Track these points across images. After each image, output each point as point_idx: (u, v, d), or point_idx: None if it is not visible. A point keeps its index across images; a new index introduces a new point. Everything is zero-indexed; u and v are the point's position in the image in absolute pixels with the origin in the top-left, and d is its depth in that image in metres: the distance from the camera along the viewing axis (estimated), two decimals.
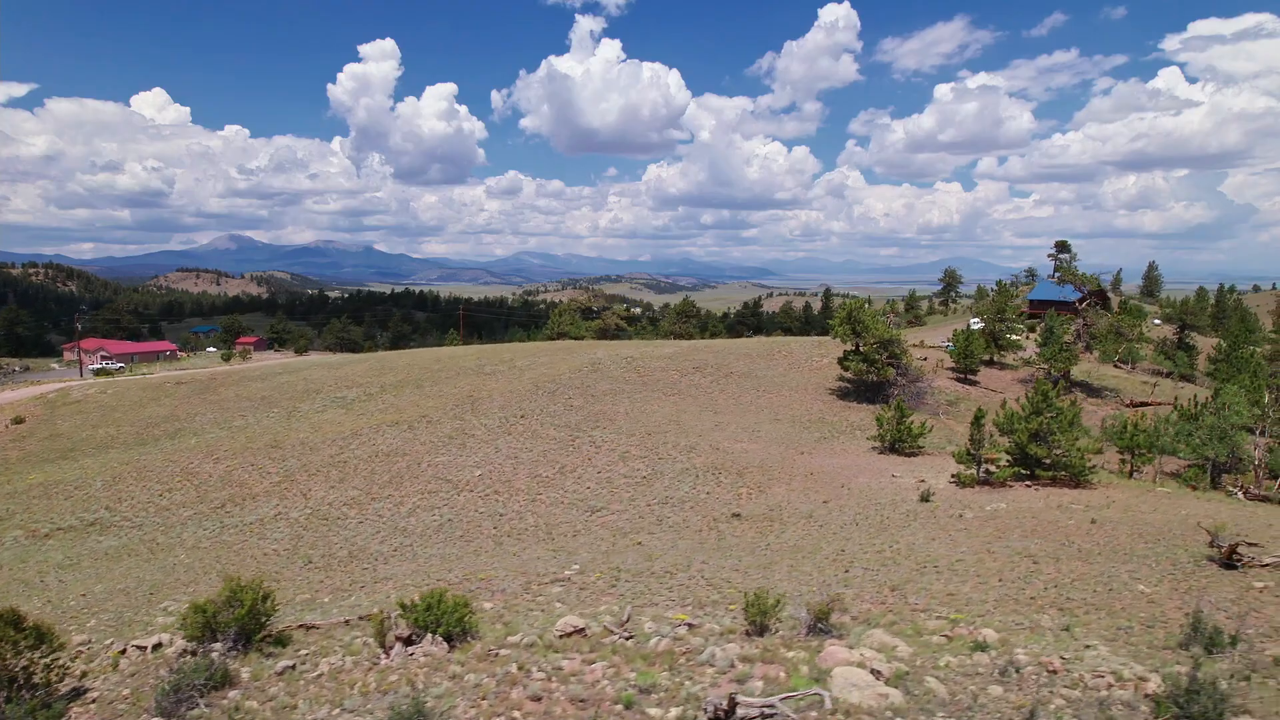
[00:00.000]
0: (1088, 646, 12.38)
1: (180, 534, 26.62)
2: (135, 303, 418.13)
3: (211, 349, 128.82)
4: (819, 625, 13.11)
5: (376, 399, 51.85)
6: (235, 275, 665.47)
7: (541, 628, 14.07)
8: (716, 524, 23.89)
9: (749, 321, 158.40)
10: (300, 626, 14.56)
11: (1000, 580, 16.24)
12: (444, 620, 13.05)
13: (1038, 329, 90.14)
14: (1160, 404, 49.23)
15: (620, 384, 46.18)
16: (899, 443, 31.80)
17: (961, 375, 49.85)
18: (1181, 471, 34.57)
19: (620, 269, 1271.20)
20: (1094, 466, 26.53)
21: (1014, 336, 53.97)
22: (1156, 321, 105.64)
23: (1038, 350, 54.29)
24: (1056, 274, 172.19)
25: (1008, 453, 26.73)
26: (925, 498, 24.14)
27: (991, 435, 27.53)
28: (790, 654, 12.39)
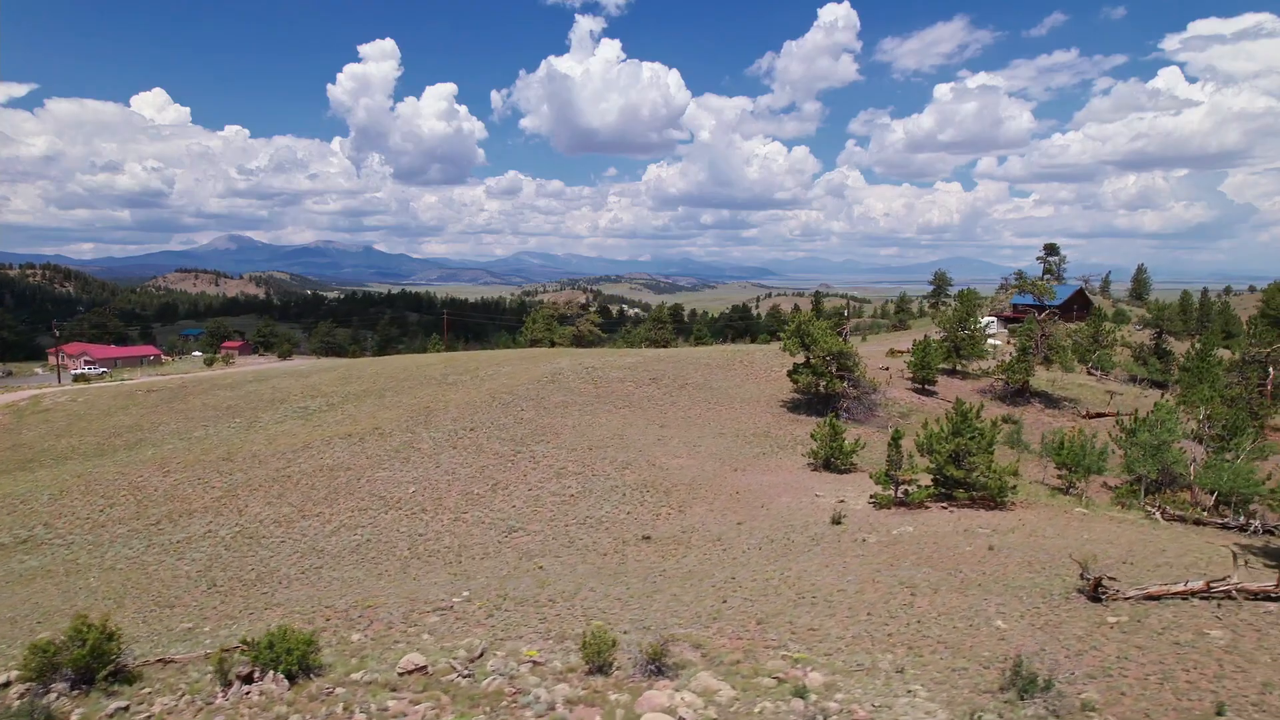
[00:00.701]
0: (909, 691, 12.49)
1: (104, 554, 26.74)
2: (133, 303, 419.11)
3: (197, 353, 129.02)
4: (653, 666, 13.22)
5: (337, 409, 51.94)
6: (234, 276, 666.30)
7: (390, 664, 14.19)
8: (624, 546, 23.99)
9: (737, 325, 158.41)
10: (158, 661, 14.68)
11: (869, 614, 16.34)
12: (283, 658, 13.16)
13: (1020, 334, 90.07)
14: (1117, 415, 49.19)
15: (574, 396, 46.28)
16: (832, 460, 31.87)
17: (920, 386, 49.87)
18: (1123, 486, 34.59)
19: (620, 269, 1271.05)
20: (1014, 486, 26.58)
21: (980, 346, 53.92)
22: (1139, 326, 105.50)
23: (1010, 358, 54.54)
24: (1046, 276, 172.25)
25: (930, 473, 26.81)
26: (836, 520, 24.23)
27: (911, 455, 27.60)
28: (615, 696, 12.50)
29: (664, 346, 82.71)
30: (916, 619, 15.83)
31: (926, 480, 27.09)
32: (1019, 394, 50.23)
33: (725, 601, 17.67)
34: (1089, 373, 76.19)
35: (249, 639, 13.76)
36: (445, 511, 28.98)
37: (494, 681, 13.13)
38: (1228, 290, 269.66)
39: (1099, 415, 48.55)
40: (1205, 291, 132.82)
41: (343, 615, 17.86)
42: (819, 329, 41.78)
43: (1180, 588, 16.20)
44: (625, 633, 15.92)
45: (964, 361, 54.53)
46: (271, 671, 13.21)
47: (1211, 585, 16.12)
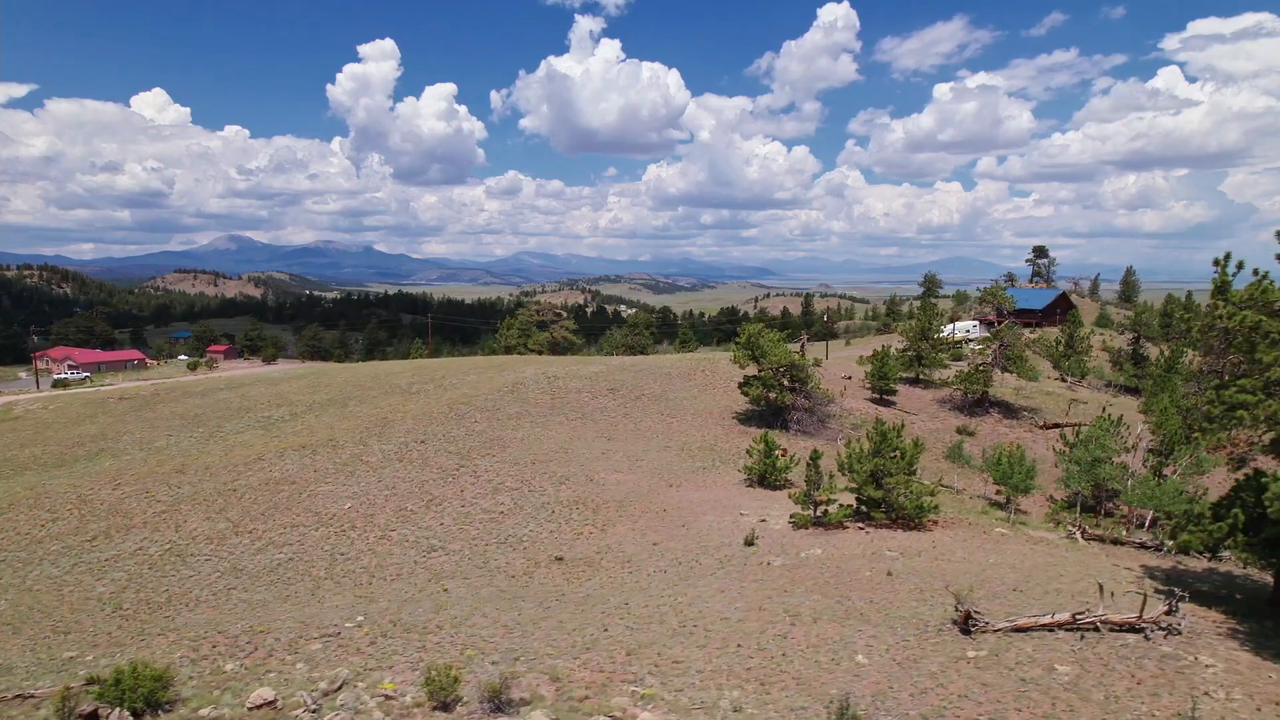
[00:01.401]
0: None
1: (28, 573, 26.85)
2: (130, 304, 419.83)
3: (183, 356, 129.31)
4: (495, 703, 13.32)
5: (299, 419, 52.06)
6: (233, 276, 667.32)
7: (245, 698, 14.29)
8: (536, 568, 24.09)
9: (726, 328, 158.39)
10: (16, 696, 14.78)
11: (739, 646, 16.43)
12: (128, 696, 13.26)
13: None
14: (1076, 425, 49.21)
15: (530, 407, 46.38)
16: (766, 476, 31.93)
17: (878, 396, 49.95)
18: (1059, 503, 34.65)
19: (620, 269, 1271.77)
20: (935, 506, 26.61)
21: (941, 355, 53.99)
22: (1120, 330, 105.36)
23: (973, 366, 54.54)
24: (1035, 277, 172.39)
25: (851, 492, 26.88)
26: (749, 541, 24.31)
27: (832, 475, 27.67)
28: None
29: (640, 353, 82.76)
30: (783, 651, 15.92)
31: (848, 499, 27.17)
32: (978, 404, 50.29)
33: (607, 630, 17.76)
34: (1062, 379, 76.20)
35: (96, 675, 13.87)
36: (374, 529, 29.09)
37: (338, 717, 13.23)
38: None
39: (1055, 426, 48.60)
40: (1189, 295, 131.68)
41: (230, 642, 17.96)
42: (769, 340, 41.83)
43: (1047, 620, 16.27)
44: (494, 663, 16.02)
45: (926, 371, 54.59)
46: (116, 709, 13.31)
47: (1077, 617, 16.19)
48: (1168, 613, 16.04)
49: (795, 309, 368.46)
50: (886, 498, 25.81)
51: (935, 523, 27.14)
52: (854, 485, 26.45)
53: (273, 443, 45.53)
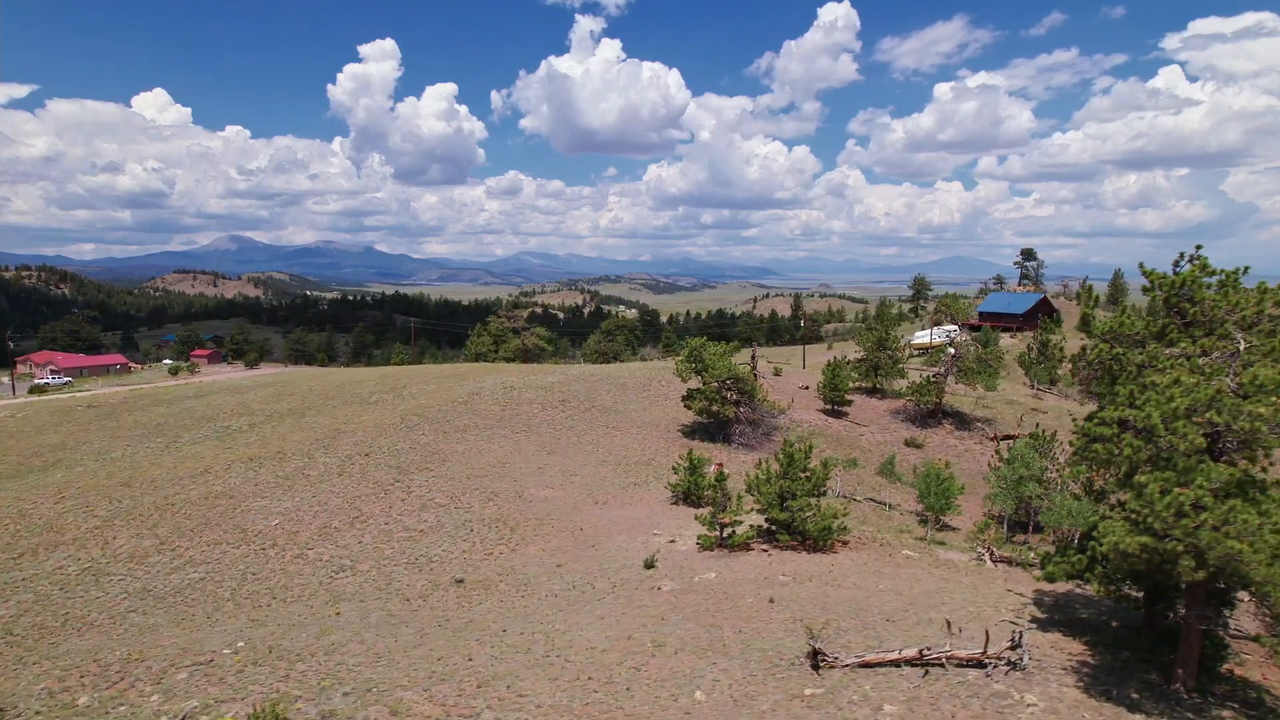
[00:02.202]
0: None
1: None
2: (128, 305, 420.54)
3: (168, 361, 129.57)
4: None
5: (256, 429, 52.25)
6: (233, 277, 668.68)
7: None
8: (434, 591, 24.22)
9: (713, 331, 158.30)
10: None
11: (590, 679, 16.54)
12: None
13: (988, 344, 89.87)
14: (1029, 437, 49.22)
15: (479, 419, 46.52)
16: (691, 492, 32.00)
17: (830, 408, 49.99)
18: (981, 522, 34.66)
19: (620, 269, 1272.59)
20: (842, 527, 26.67)
21: (899, 364, 54.01)
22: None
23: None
24: (1024, 281, 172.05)
25: (760, 513, 26.96)
26: (649, 564, 24.40)
27: (740, 495, 27.75)
28: None
29: (614, 359, 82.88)
30: (629, 686, 16.03)
31: (757, 520, 27.25)
32: (931, 415, 50.31)
33: (471, 659, 17.88)
34: (1033, 388, 76.13)
35: None
36: (293, 548, 29.23)
37: None
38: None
39: (1008, 437, 48.55)
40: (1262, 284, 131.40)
41: (100, 672, 18.10)
42: (712, 353, 41.90)
43: (894, 655, 16.36)
44: (346, 694, 16.18)
45: (884, 381, 54.63)
46: None
47: (924, 652, 16.27)
48: (1011, 647, 16.12)
49: (755, 314, 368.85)
50: (792, 520, 25.89)
51: (844, 544, 27.21)
52: (760, 507, 26.53)
53: (223, 454, 45.71)
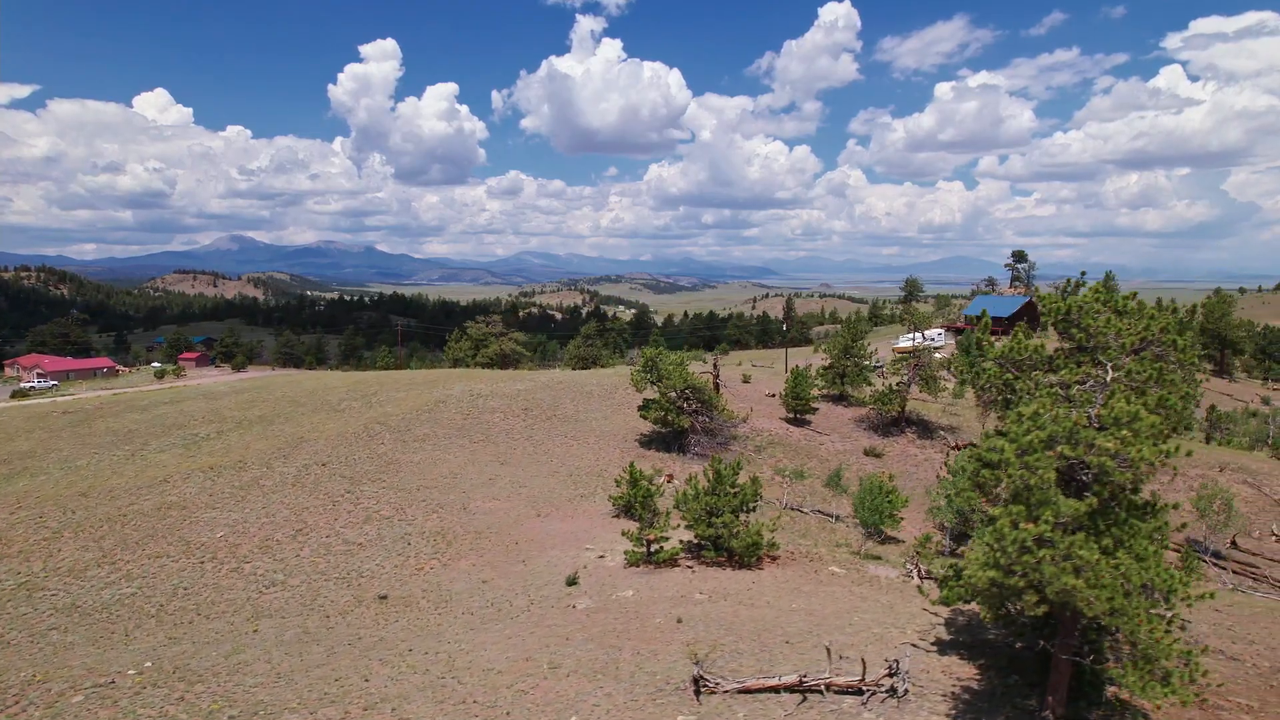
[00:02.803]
0: None
1: None
2: (127, 305, 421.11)
3: (156, 364, 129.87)
4: None
5: (224, 437, 52.38)
6: (233, 277, 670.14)
7: None
8: (356, 607, 24.35)
9: (702, 334, 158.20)
10: None
11: (475, 702, 16.65)
12: None
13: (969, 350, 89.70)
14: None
15: (440, 428, 46.65)
16: (632, 506, 32.04)
17: (793, 416, 50.02)
18: (922, 536, 34.68)
19: (621, 269, 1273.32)
20: (771, 543, 26.74)
21: (866, 371, 53.98)
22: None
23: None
24: (1014, 283, 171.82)
25: (689, 529, 27.04)
26: (571, 581, 24.51)
27: (668, 512, 27.83)
28: None
29: (593, 364, 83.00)
30: (509, 710, 16.14)
31: (687, 536, 27.35)
32: (894, 423, 50.35)
33: (368, 680, 18.00)
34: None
35: None
36: (232, 561, 29.36)
37: None
38: (1217, 292, 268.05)
39: (970, 446, 48.56)
40: (1160, 301, 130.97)
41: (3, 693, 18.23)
42: (668, 363, 41.98)
43: (774, 681, 16.45)
44: (232, 718, 16.32)
45: (851, 388, 54.65)
46: None
47: (804, 679, 16.36)
48: (889, 674, 16.19)
49: (744, 316, 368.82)
50: (719, 536, 25.98)
51: (774, 559, 27.29)
52: (688, 522, 26.63)
53: (185, 463, 45.85)
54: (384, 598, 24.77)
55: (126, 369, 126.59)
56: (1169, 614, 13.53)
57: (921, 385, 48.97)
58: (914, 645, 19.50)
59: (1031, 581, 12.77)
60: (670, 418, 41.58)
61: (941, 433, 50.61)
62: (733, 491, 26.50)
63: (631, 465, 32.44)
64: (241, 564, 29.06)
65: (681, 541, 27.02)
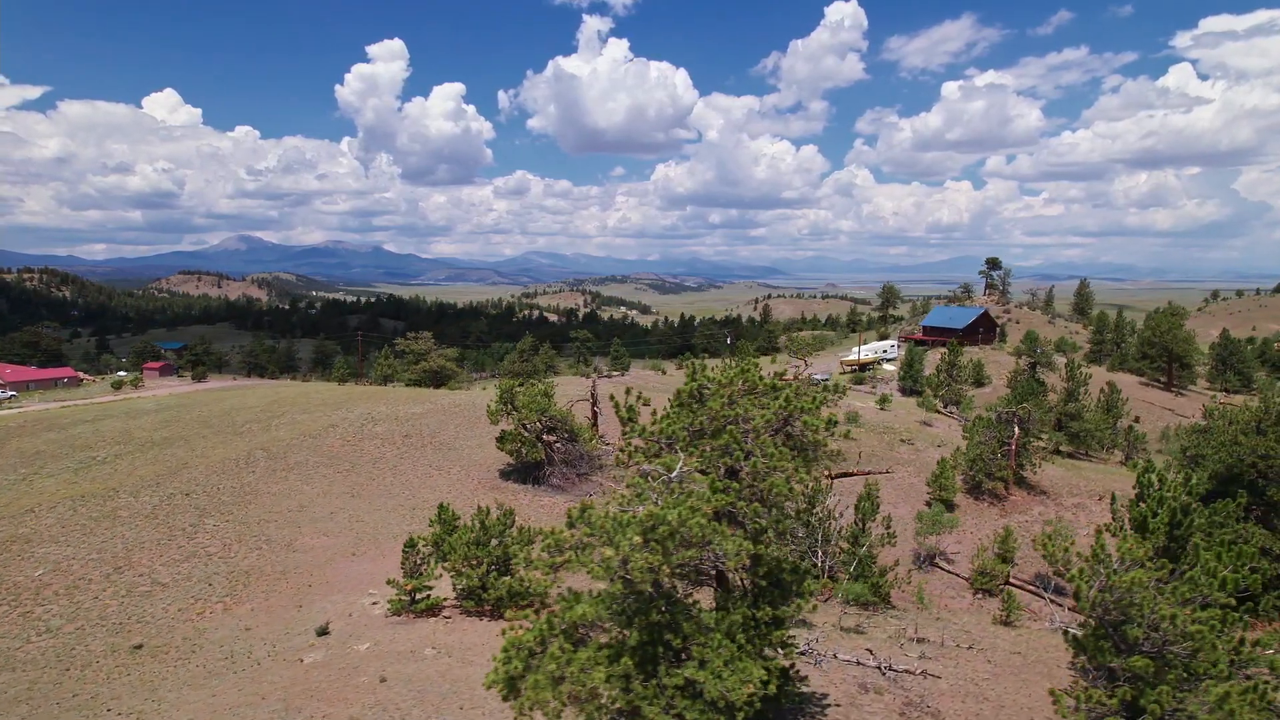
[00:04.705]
0: None
1: None
2: (128, 307, 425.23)
3: (122, 373, 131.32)
4: None
5: (117, 461, 53.05)
6: (237, 278, 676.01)
7: None
8: (106, 658, 24.84)
9: (672, 342, 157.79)
10: None
11: None
12: None
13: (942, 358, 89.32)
14: (869, 473, 49.26)
15: (317, 454, 47.21)
16: (440, 546, 32.37)
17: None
18: None
19: (628, 269, 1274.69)
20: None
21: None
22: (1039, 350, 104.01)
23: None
24: (989, 290, 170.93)
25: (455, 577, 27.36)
26: (322, 630, 24.93)
27: (429, 559, 28.19)
28: None
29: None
30: None
31: (458, 585, 27.67)
32: None
33: None
34: (940, 411, 75.88)
35: None
36: (29, 603, 29.90)
37: None
38: (1215, 295, 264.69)
39: (845, 475, 48.64)
40: (1120, 313, 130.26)
41: None
42: (525, 395, 42.35)
43: None
44: None
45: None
46: None
47: None
48: None
49: (795, 311, 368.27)
50: (483, 586, 26.33)
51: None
52: (451, 571, 26.99)
53: (64, 490, 46.56)
54: (139, 647, 25.28)
55: (92, 378, 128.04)
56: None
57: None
58: None
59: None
60: (525, 450, 41.95)
61: (825, 460, 50.61)
62: (495, 541, 26.87)
63: (442, 505, 32.80)
64: (35, 607, 29.59)
65: (456, 589, 27.39)
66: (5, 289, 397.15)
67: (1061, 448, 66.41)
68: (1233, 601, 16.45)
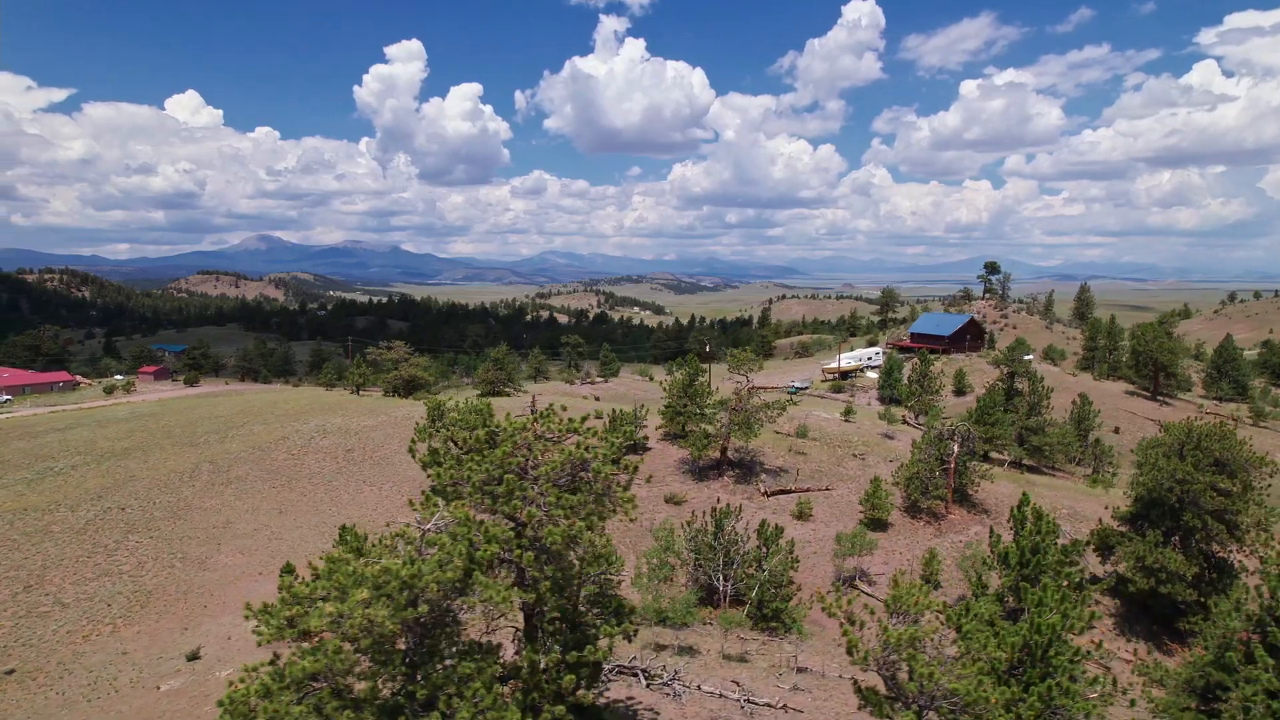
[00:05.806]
0: None
1: None
2: (145, 307, 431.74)
3: (119, 376, 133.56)
4: None
5: (72, 473, 53.96)
6: (255, 278, 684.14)
7: None
8: None
9: (669, 346, 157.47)
10: None
11: None
12: None
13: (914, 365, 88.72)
14: (807, 490, 49.09)
15: (259, 468, 47.84)
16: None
17: (616, 457, 50.22)
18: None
19: (645, 268, 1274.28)
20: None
21: (705, 408, 53.86)
22: (1028, 357, 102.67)
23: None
24: (986, 294, 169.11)
25: None
26: (193, 656, 25.36)
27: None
28: None
29: (498, 391, 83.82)
30: None
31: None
32: (715, 466, 50.45)
33: None
34: (905, 422, 75.27)
35: None
36: None
37: None
38: (1232, 297, 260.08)
39: (780, 492, 48.51)
40: (1113, 319, 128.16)
41: None
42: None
43: None
44: None
45: (692, 425, 54.65)
46: None
47: None
48: None
49: (810, 312, 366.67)
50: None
51: None
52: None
53: (12, 501, 47.43)
54: (10, 672, 25.85)
55: (89, 382, 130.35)
56: None
57: (736, 430, 48.97)
58: None
59: None
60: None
61: (766, 475, 50.58)
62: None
63: (343, 527, 33.16)
64: None
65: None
66: (27, 290, 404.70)
67: (1024, 461, 65.70)
68: (1002, 657, 16.38)
